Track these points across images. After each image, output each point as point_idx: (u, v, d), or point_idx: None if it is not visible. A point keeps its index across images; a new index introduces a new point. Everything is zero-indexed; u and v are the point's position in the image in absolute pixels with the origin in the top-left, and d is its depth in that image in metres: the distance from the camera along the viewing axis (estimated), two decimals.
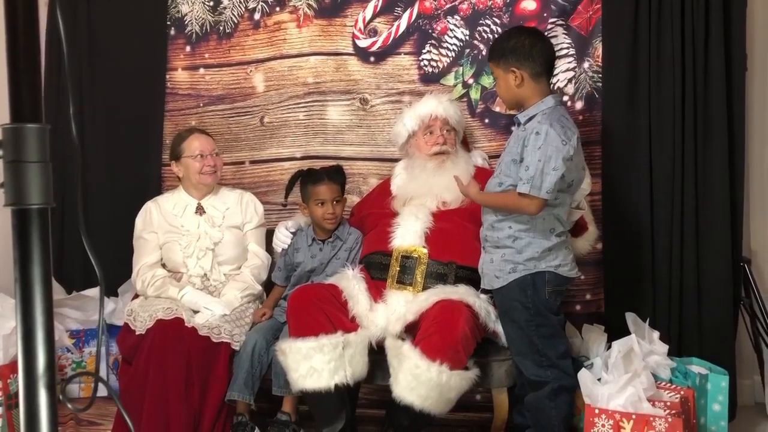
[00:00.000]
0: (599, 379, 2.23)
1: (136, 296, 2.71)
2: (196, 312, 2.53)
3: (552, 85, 2.75)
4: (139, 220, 2.76)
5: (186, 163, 2.74)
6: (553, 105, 2.19)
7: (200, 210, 2.76)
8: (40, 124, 0.92)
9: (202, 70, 3.18)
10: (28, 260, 0.91)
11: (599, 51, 2.79)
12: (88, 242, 1.03)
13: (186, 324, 2.41)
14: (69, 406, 1.11)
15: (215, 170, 2.76)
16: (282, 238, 2.71)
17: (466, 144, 2.78)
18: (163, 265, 2.72)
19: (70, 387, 2.79)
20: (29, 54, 0.92)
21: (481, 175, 2.55)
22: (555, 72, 2.77)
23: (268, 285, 2.78)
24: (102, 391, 2.66)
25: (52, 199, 0.93)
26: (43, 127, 0.92)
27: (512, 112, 2.38)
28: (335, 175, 2.63)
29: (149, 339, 2.39)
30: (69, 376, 2.00)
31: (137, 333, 2.44)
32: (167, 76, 3.21)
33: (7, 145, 0.91)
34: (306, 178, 2.65)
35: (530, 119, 2.20)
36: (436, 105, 2.58)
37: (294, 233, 2.71)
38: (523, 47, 2.19)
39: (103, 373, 2.85)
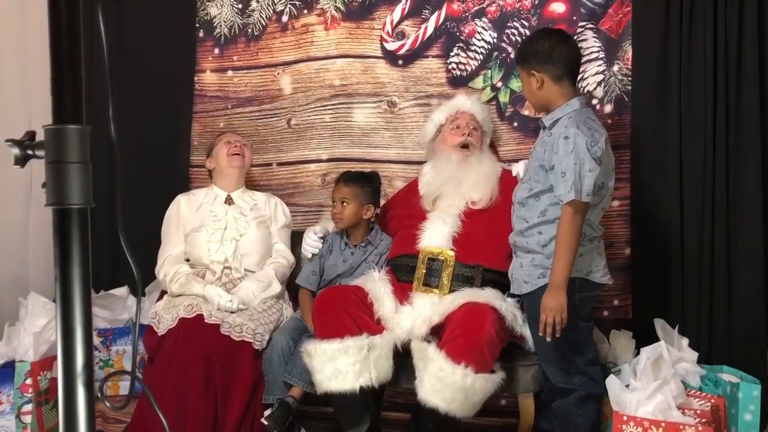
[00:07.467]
0: (627, 386, 2.20)
1: (161, 296, 2.73)
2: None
3: (582, 89, 2.73)
4: (169, 212, 2.81)
5: (216, 152, 2.84)
6: (578, 107, 2.17)
7: (229, 200, 2.81)
8: (81, 125, 0.94)
9: (230, 72, 3.21)
10: (68, 259, 0.92)
11: (629, 54, 2.76)
12: (126, 244, 1.04)
13: (206, 320, 2.41)
14: (107, 404, 1.13)
15: (243, 154, 2.82)
16: (311, 243, 2.70)
17: (495, 151, 2.76)
18: (187, 260, 2.73)
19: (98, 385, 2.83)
20: (72, 57, 0.94)
21: (508, 177, 2.54)
22: (584, 75, 2.77)
23: (293, 287, 2.78)
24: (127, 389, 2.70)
25: (91, 200, 0.94)
26: (84, 129, 0.94)
27: (541, 115, 2.37)
28: (352, 178, 2.66)
29: (171, 337, 2.41)
30: (107, 375, 2.06)
31: (159, 334, 2.46)
32: (195, 78, 3.24)
33: (50, 145, 0.93)
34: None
35: (555, 123, 2.18)
36: (464, 100, 2.68)
37: (322, 238, 2.71)
38: (543, 50, 2.19)
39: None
